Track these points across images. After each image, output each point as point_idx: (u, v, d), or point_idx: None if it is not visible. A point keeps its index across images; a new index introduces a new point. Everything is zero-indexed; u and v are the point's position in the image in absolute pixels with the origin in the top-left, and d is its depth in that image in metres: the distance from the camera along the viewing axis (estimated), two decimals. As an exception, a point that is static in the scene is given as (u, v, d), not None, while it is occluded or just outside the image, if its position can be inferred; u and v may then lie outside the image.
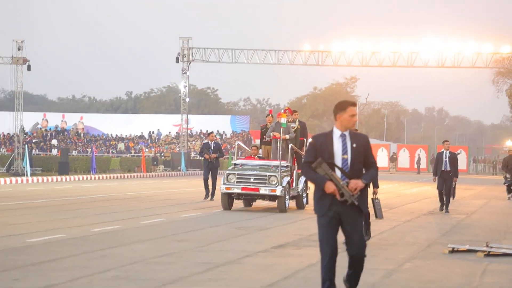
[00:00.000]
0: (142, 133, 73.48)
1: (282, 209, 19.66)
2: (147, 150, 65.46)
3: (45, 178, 39.04)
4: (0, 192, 27.80)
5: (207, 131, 73.02)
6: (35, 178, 38.29)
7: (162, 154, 62.93)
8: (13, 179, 36.82)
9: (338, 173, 7.35)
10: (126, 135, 72.62)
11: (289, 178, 19.97)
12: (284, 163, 19.97)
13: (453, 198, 23.76)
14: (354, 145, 7.42)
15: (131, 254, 11.48)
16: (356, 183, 7.33)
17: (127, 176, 46.72)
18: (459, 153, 46.53)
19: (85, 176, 42.79)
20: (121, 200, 23.87)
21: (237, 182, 19.75)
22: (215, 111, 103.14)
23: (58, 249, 11.91)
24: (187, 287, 8.97)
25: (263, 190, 19.52)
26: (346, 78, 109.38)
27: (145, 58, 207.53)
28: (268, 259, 11.34)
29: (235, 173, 19.88)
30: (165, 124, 75.18)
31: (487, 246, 12.51)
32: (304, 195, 21.28)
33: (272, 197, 19.80)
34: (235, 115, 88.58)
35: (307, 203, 21.27)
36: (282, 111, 21.45)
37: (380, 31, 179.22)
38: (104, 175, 44.99)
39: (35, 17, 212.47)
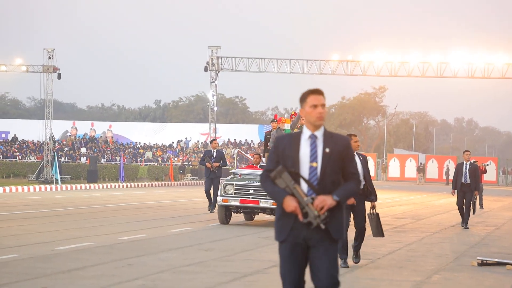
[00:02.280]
0: (173, 142, 73.75)
1: None
2: (175, 159, 65.70)
3: (73, 186, 39.30)
4: (30, 199, 28.03)
5: (234, 140, 73.14)
6: (64, 186, 38.56)
7: (190, 162, 63.12)
8: (42, 186, 37.11)
9: (304, 186, 5.65)
10: (155, 144, 72.96)
11: None
12: None
13: (473, 213, 20.81)
14: (327, 150, 5.68)
15: (158, 263, 11.51)
16: (323, 200, 5.55)
17: (155, 184, 46.89)
18: (487, 165, 46.08)
19: (113, 184, 43.01)
20: (148, 209, 23.95)
21: (235, 193, 18.05)
22: (243, 120, 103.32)
23: (86, 257, 11.98)
24: (213, 296, 8.97)
25: (263, 203, 17.69)
26: (375, 88, 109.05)
27: (174, 67, 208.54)
28: (295, 270, 11.30)
29: (233, 184, 18.17)
30: (193, 133, 75.44)
31: (516, 258, 12.37)
32: None
33: (273, 211, 17.52)
34: (263, 124, 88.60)
35: None
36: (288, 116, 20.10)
37: (408, 43, 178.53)
38: (132, 183, 45.19)
39: (65, 26, 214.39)
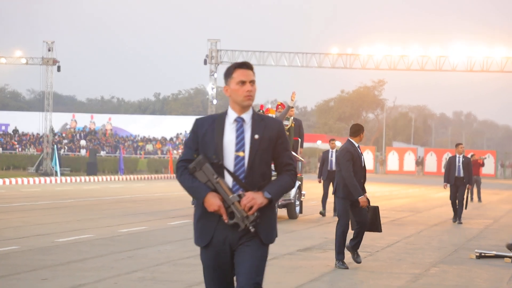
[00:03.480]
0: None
1: None
2: (174, 151, 65.73)
3: (73, 178, 39.33)
4: (29, 191, 28.06)
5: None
6: (63, 178, 38.60)
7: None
8: (42, 179, 37.15)
9: (228, 179, 4.74)
10: (154, 137, 73.01)
11: None
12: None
13: (465, 208, 19.86)
14: (257, 136, 4.75)
15: (158, 255, 11.55)
16: (253, 199, 4.65)
17: (155, 177, 46.92)
18: (485, 158, 46.07)
19: (113, 177, 43.04)
20: (148, 201, 23.99)
21: None
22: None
23: (86, 249, 12.02)
24: (213, 288, 9.02)
25: None
26: (374, 81, 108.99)
27: (173, 60, 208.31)
28: (294, 262, 11.36)
29: None
30: (193, 126, 75.37)
31: (514, 251, 12.41)
32: (297, 202, 18.88)
33: None
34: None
35: (300, 212, 19.18)
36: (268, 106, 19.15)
37: (408, 37, 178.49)
38: (132, 176, 45.22)
39: (65, 19, 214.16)
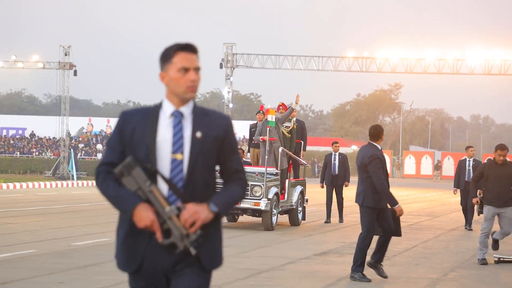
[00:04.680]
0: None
1: (268, 226, 16.32)
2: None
3: (90, 182, 39.45)
4: (46, 195, 28.16)
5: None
6: (80, 182, 38.73)
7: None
8: (59, 182, 37.29)
9: (163, 188, 3.77)
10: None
11: (277, 188, 16.60)
12: (272, 170, 16.69)
13: (479, 214, 19.71)
14: (199, 134, 3.80)
15: (174, 259, 11.52)
16: (195, 212, 3.70)
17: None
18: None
19: (129, 181, 43.15)
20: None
21: None
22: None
23: (102, 253, 12.02)
24: (229, 293, 8.98)
25: (244, 203, 15.80)
26: (390, 85, 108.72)
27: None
28: (311, 266, 11.31)
29: None
30: (209, 130, 75.39)
31: (533, 256, 12.30)
32: (300, 209, 18.03)
33: (255, 212, 16.41)
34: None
35: (303, 218, 18.23)
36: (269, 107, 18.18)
37: (424, 40, 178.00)
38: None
39: (82, 23, 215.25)
